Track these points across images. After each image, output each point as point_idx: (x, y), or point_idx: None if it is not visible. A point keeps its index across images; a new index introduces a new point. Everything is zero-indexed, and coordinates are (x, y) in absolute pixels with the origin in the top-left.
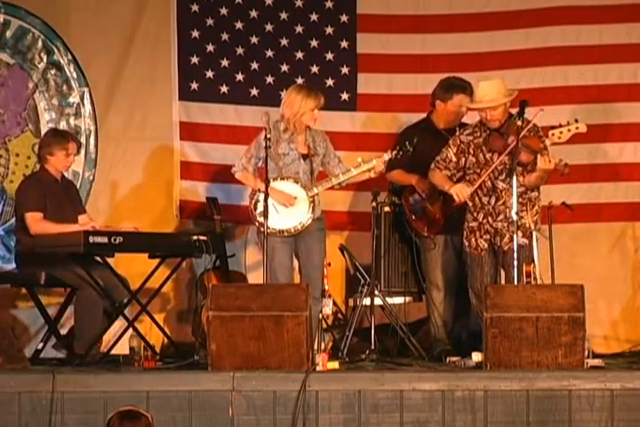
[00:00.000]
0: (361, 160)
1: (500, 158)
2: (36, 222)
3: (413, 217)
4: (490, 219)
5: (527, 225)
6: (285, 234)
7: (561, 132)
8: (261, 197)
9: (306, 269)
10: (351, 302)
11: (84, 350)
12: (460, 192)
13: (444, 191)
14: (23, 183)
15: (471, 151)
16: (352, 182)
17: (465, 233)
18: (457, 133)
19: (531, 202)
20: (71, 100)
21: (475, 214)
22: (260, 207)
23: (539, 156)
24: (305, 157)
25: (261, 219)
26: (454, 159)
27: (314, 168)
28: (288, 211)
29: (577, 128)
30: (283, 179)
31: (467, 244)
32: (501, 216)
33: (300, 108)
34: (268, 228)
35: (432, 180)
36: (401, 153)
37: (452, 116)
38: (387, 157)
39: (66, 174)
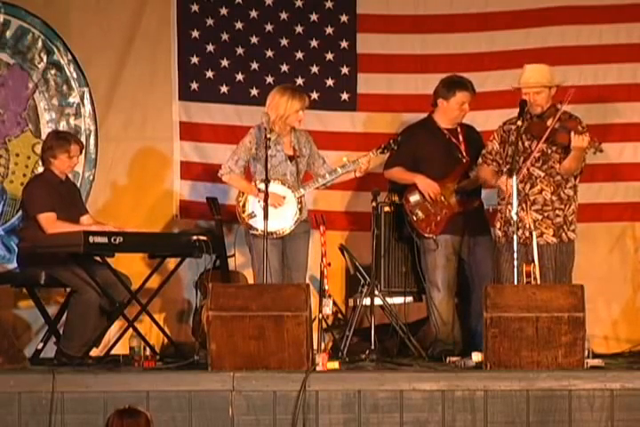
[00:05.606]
0: (346, 160)
1: (542, 141)
2: (51, 223)
3: (414, 217)
4: (524, 206)
5: (527, 225)
6: (274, 236)
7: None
8: (250, 198)
9: (290, 270)
10: (351, 302)
11: (71, 350)
12: (507, 185)
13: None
14: (31, 184)
15: (512, 139)
16: (336, 182)
17: (499, 224)
18: (499, 125)
19: (568, 200)
20: (71, 100)
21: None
22: (249, 209)
23: (572, 133)
24: (291, 158)
25: (250, 221)
26: (499, 149)
27: (300, 169)
28: (277, 212)
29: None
30: (270, 181)
31: (501, 234)
32: (536, 206)
33: (285, 111)
34: (261, 228)
35: (479, 174)
36: (386, 151)
37: (454, 114)
38: (372, 155)
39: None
